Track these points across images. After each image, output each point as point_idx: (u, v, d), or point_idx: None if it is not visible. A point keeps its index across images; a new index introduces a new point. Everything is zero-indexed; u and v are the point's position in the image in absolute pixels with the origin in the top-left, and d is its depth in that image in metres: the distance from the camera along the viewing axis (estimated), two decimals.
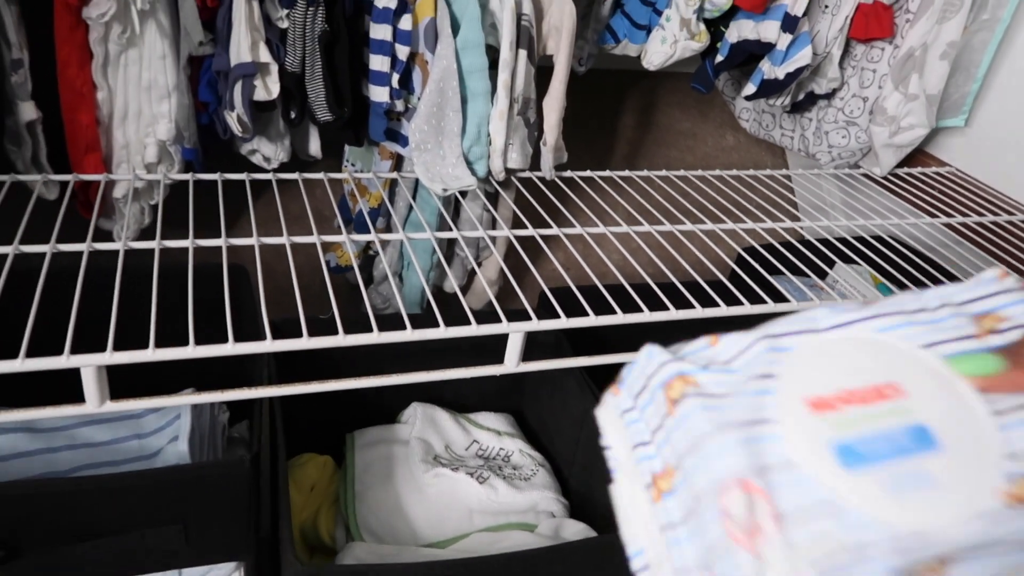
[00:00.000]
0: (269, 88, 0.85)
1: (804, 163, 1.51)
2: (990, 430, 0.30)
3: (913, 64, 1.04)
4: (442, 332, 0.65)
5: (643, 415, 0.35)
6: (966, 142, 1.21)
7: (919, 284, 0.88)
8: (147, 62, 0.85)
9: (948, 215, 1.06)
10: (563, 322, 0.70)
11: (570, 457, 0.85)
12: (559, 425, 0.88)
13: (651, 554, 0.32)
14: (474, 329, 0.66)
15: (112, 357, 0.57)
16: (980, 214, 1.08)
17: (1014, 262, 0.96)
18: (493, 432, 0.89)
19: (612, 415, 0.37)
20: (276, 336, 0.63)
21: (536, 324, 0.68)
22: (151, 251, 0.71)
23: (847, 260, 0.98)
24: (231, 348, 0.60)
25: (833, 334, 0.34)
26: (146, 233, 0.94)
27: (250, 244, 0.74)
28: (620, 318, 0.71)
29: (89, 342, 0.58)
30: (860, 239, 1.09)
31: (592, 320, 0.70)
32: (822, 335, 0.34)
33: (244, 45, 0.81)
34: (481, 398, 0.93)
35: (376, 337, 0.64)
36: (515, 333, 0.68)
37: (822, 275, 0.96)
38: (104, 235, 0.91)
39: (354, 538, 0.75)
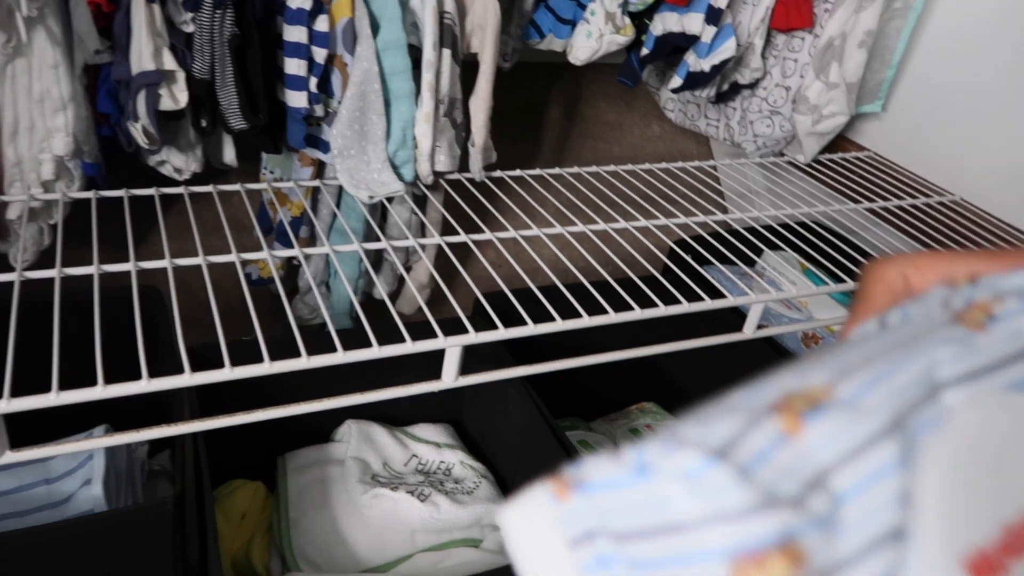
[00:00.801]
0: (176, 97, 0.79)
1: (729, 151, 1.52)
2: None
3: (833, 53, 1.06)
4: (375, 352, 0.62)
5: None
6: (883, 127, 1.24)
7: (843, 269, 0.89)
8: (37, 72, 0.78)
9: (869, 200, 1.09)
10: (501, 333, 0.68)
11: (513, 466, 0.83)
12: (500, 433, 0.86)
13: None
14: (409, 347, 0.64)
15: (9, 405, 0.52)
16: (899, 197, 1.11)
17: (930, 243, 0.99)
18: (432, 445, 0.86)
19: (549, 536, 0.18)
20: (196, 366, 0.59)
21: (474, 337, 0.66)
22: (51, 280, 0.65)
23: (774, 247, 0.99)
24: (145, 385, 0.56)
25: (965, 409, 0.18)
26: (47, 255, 0.87)
27: (163, 267, 0.69)
28: (559, 325, 0.70)
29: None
30: (786, 226, 1.11)
31: (531, 329, 0.69)
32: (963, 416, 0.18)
33: (146, 52, 0.76)
34: (418, 410, 0.90)
35: (305, 362, 0.60)
36: (452, 348, 0.66)
37: (751, 263, 0.96)
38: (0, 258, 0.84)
39: (290, 568, 0.71)
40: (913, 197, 1.11)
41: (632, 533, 0.17)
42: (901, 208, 1.08)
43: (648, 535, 0.17)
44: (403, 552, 0.74)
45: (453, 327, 0.67)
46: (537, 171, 1.02)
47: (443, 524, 0.75)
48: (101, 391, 0.54)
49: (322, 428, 0.88)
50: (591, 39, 1.01)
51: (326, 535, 0.74)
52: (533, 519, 0.19)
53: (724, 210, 0.99)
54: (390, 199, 0.95)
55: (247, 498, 0.79)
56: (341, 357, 0.61)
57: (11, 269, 0.76)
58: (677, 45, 1.04)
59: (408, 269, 1.10)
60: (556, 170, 1.03)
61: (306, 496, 0.78)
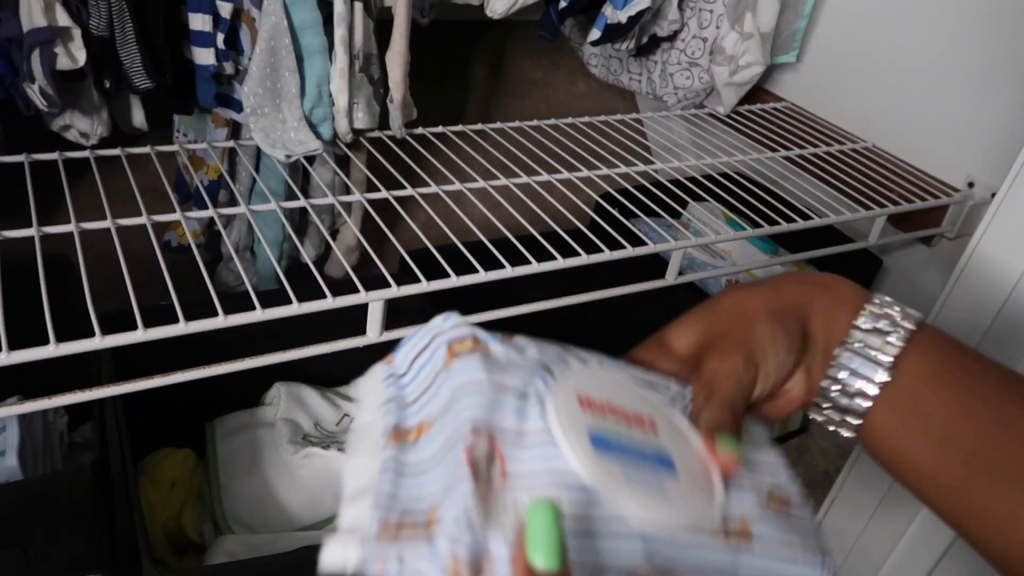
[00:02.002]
0: (74, 55, 0.76)
1: (653, 106, 1.54)
2: (718, 482, 0.34)
3: (746, 3, 1.07)
4: (295, 309, 0.62)
5: (417, 376, 0.34)
6: (799, 77, 1.27)
7: (763, 216, 0.92)
8: None
9: (787, 148, 1.12)
10: (424, 286, 0.68)
11: None
12: None
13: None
14: (330, 302, 0.63)
15: None
16: (815, 145, 1.14)
17: (844, 187, 1.02)
18: None
19: (375, 382, 0.36)
20: (110, 330, 0.57)
21: (396, 291, 0.66)
22: None
23: (698, 199, 1.01)
24: (54, 350, 0.54)
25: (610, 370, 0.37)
26: None
27: (69, 231, 0.67)
28: (482, 276, 0.70)
29: None
30: (709, 177, 1.13)
31: (454, 281, 0.69)
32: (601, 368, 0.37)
33: (35, 7, 0.72)
34: (349, 370, 0.90)
35: (222, 321, 0.59)
36: (375, 302, 0.66)
37: (676, 215, 0.98)
38: None
39: (223, 531, 0.71)
40: (828, 144, 1.15)
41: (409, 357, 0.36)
42: (817, 156, 1.11)
43: (416, 348, 0.36)
44: (337, 509, 0.74)
45: (377, 284, 0.67)
46: (460, 127, 1.01)
47: None
48: (5, 357, 0.52)
49: (251, 393, 0.87)
50: None
51: (258, 497, 0.74)
52: (370, 373, 0.37)
53: (649, 163, 1.00)
54: (310, 159, 0.93)
55: (176, 466, 0.78)
56: (259, 315, 0.60)
57: None
58: None
59: (335, 232, 1.09)
60: (480, 126, 1.03)
61: (236, 460, 0.77)
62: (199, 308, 0.60)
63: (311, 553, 0.58)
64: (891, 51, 1.13)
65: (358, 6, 0.84)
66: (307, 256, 1.04)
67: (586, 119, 1.09)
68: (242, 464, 0.76)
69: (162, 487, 0.76)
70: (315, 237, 1.06)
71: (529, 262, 0.72)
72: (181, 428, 0.81)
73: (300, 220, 1.06)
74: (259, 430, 0.80)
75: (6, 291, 0.58)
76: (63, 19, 0.74)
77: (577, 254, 0.75)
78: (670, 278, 0.84)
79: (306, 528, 0.72)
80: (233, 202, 1.00)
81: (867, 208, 0.97)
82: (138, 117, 0.90)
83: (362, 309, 0.66)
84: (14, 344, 0.53)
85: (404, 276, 0.70)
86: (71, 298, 0.75)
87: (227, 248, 1.03)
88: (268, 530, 0.71)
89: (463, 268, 0.70)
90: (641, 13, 1.03)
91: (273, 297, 0.62)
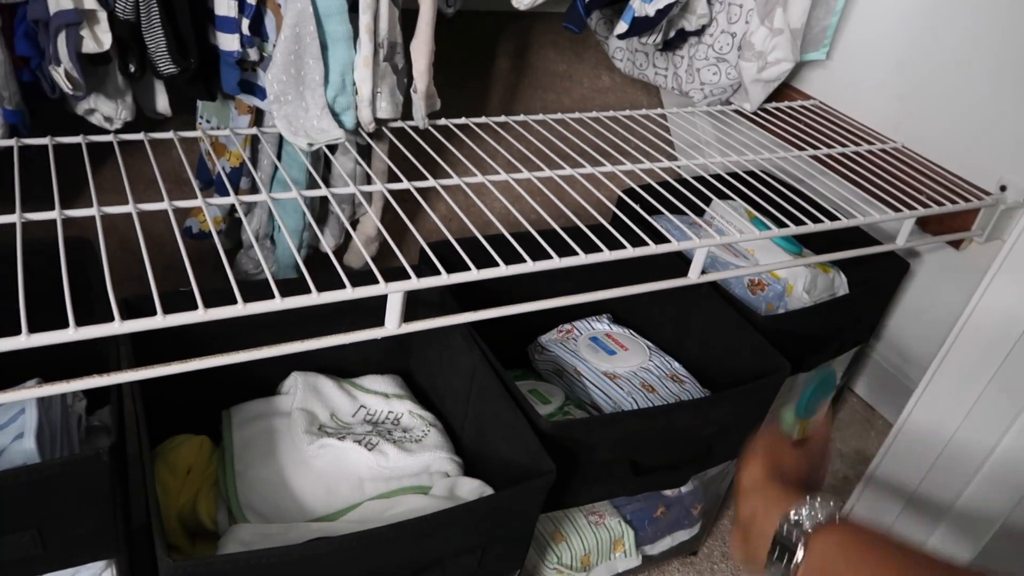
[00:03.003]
0: (99, 39, 0.76)
1: (678, 101, 1.52)
2: None
3: None
4: (314, 299, 0.61)
5: None
6: (828, 75, 1.25)
7: (789, 216, 0.90)
8: None
9: (814, 147, 1.10)
10: (444, 278, 0.67)
11: (461, 414, 0.83)
12: (448, 383, 0.85)
13: None
14: (349, 293, 0.63)
15: None
16: (843, 144, 1.12)
17: (872, 188, 1.01)
18: (381, 395, 0.86)
19: None
20: (129, 315, 0.57)
21: (416, 283, 0.65)
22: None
23: (723, 196, 0.99)
24: (73, 334, 0.54)
25: None
26: None
27: (91, 215, 0.67)
28: (503, 270, 0.69)
29: None
30: (734, 175, 1.11)
31: (474, 274, 0.68)
32: None
33: None
34: (366, 361, 0.90)
35: (241, 309, 0.59)
36: (394, 294, 0.65)
37: (699, 212, 0.96)
38: None
39: (237, 520, 0.71)
40: (856, 144, 1.13)
41: None
42: (845, 155, 1.09)
43: None
44: (351, 501, 0.74)
45: (397, 275, 0.66)
46: (483, 119, 1.00)
47: (391, 472, 0.75)
48: (25, 340, 0.52)
49: (268, 382, 0.86)
50: None
51: (272, 486, 0.74)
52: None
53: (672, 159, 0.99)
54: (332, 148, 0.93)
55: (192, 452, 0.78)
56: (278, 303, 0.60)
57: None
58: None
59: (356, 222, 1.09)
60: (503, 118, 1.02)
61: (252, 448, 0.77)
62: (218, 295, 0.60)
63: (324, 545, 0.58)
64: (923, 51, 1.11)
65: None
66: (327, 245, 1.04)
67: (610, 113, 1.08)
68: (257, 453, 0.76)
69: (178, 473, 0.76)
70: (335, 227, 1.06)
71: (550, 257, 0.72)
72: (198, 414, 0.81)
73: (321, 209, 1.06)
74: (275, 419, 0.80)
75: (29, 274, 0.58)
76: (89, 2, 0.74)
77: (599, 250, 0.74)
78: (693, 276, 0.82)
79: (320, 519, 0.72)
80: (254, 189, 1.00)
81: (896, 209, 0.96)
82: (162, 102, 0.90)
83: (381, 300, 0.66)
84: (34, 327, 0.53)
85: (424, 268, 0.69)
86: (93, 282, 0.76)
87: (247, 235, 1.03)
88: (282, 519, 0.71)
89: (483, 261, 0.69)
90: (670, 6, 1.01)
91: (292, 286, 0.62)
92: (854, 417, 1.22)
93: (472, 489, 0.74)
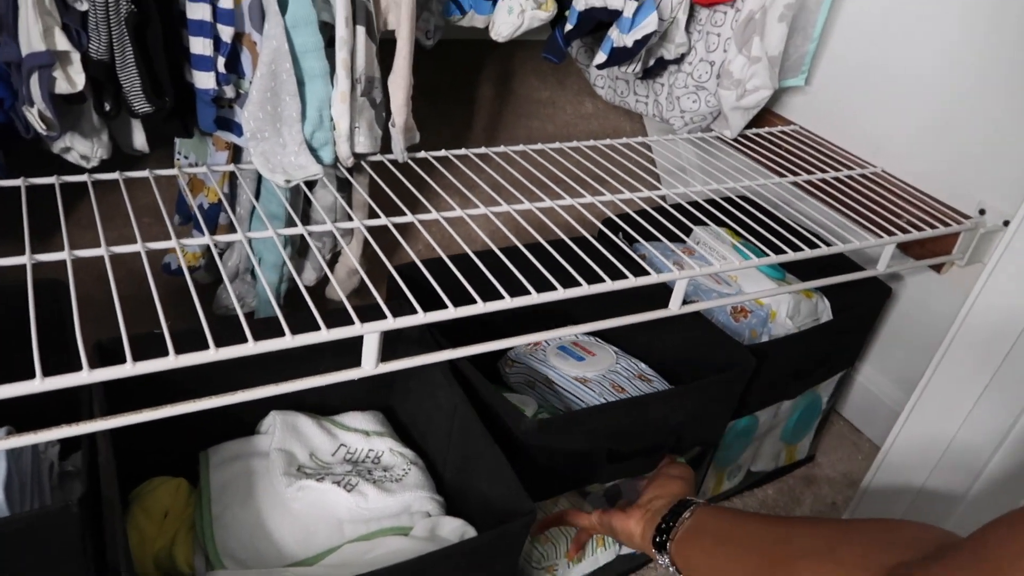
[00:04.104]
0: (72, 79, 0.75)
1: (661, 127, 1.53)
2: None
3: (754, 27, 1.06)
4: (288, 342, 0.60)
5: None
6: (807, 100, 1.25)
7: (769, 243, 0.90)
8: None
9: (795, 173, 1.10)
10: (420, 317, 0.66)
11: (443, 451, 0.82)
12: (429, 419, 0.85)
13: None
14: (324, 335, 0.62)
15: None
16: (823, 170, 1.12)
17: (853, 213, 1.01)
18: (361, 433, 0.85)
19: None
20: (105, 361, 0.56)
21: (392, 323, 0.65)
22: None
23: (705, 223, 0.99)
24: (39, 384, 0.53)
25: None
26: None
27: (62, 259, 0.66)
28: (480, 307, 0.69)
29: None
30: (716, 201, 1.12)
31: (451, 312, 0.67)
32: None
33: (35, 32, 0.71)
34: (345, 398, 0.89)
35: (213, 355, 0.58)
36: (370, 335, 0.64)
37: (682, 239, 0.96)
38: None
39: (214, 566, 0.69)
40: (837, 169, 1.13)
41: None
42: (825, 181, 1.09)
43: None
44: (331, 544, 0.72)
45: (373, 314, 0.65)
46: (463, 151, 1.00)
47: (371, 513, 0.74)
48: None
49: (246, 421, 0.85)
50: (512, 15, 1.00)
51: (250, 530, 0.72)
52: None
53: (656, 188, 0.99)
54: (311, 183, 0.92)
55: (169, 495, 0.76)
56: (251, 348, 0.59)
57: None
58: (600, 20, 1.03)
59: (337, 254, 1.08)
60: (483, 150, 1.02)
61: (229, 490, 0.75)
62: (193, 337, 0.59)
63: None
64: (901, 76, 1.12)
65: (360, 30, 0.84)
66: (307, 280, 1.04)
67: (592, 143, 1.08)
68: (235, 495, 0.75)
69: (154, 517, 0.74)
70: (315, 261, 1.05)
71: (528, 293, 0.71)
72: (175, 455, 0.80)
73: (301, 243, 1.05)
74: (253, 460, 0.79)
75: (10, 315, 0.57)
76: (62, 43, 0.73)
77: (576, 282, 0.74)
78: (673, 308, 0.82)
79: (298, 563, 0.70)
80: (233, 224, 1.00)
81: (876, 235, 0.96)
82: (139, 139, 0.90)
83: (358, 338, 0.65)
84: (4, 373, 0.52)
85: (404, 303, 0.68)
86: (66, 322, 0.74)
87: (228, 270, 1.03)
88: (260, 564, 0.70)
89: (462, 297, 0.69)
90: (648, 37, 1.01)
91: (271, 326, 0.61)
92: (841, 441, 1.22)
93: (453, 529, 0.73)
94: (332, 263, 1.09)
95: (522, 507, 0.66)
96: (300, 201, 0.97)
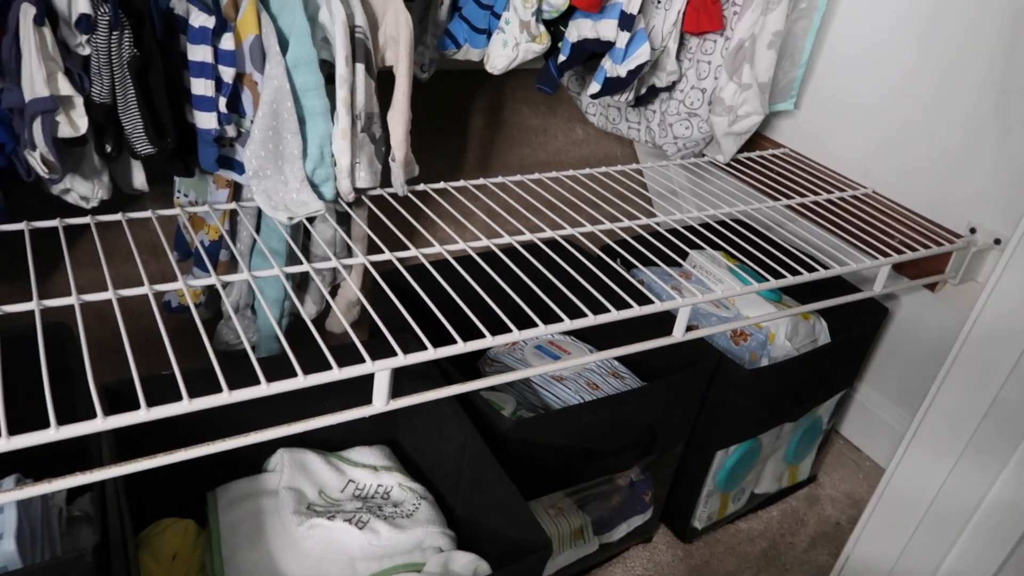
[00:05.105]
0: (75, 123, 0.75)
1: (652, 152, 1.55)
2: None
3: (744, 55, 1.08)
4: (301, 382, 0.61)
5: None
6: (797, 124, 1.28)
7: (766, 266, 0.91)
8: None
9: (788, 196, 1.12)
10: (431, 353, 0.66)
11: (452, 485, 0.82)
12: (438, 452, 0.85)
13: None
14: (336, 374, 0.62)
15: None
16: (815, 192, 1.14)
17: (846, 235, 1.02)
18: (369, 468, 0.84)
19: None
20: (113, 405, 0.56)
21: (403, 359, 0.65)
22: None
23: (698, 247, 1.01)
24: (54, 434, 0.53)
25: None
26: None
27: (70, 304, 0.66)
28: (489, 341, 0.69)
29: None
30: (707, 226, 1.13)
31: (460, 347, 0.68)
32: None
33: (38, 78, 0.72)
34: (353, 432, 0.88)
35: (227, 397, 0.58)
36: (381, 372, 0.65)
37: (678, 264, 0.97)
38: None
39: None
40: (828, 192, 1.15)
41: None
42: (818, 203, 1.11)
43: None
44: None
45: (383, 347, 0.66)
46: (461, 183, 1.01)
47: (383, 550, 0.74)
48: (5, 443, 0.51)
49: (253, 459, 0.85)
50: (507, 48, 1.01)
51: (262, 570, 0.72)
52: None
53: (650, 213, 1.00)
54: (311, 218, 0.93)
55: (177, 537, 0.76)
56: (264, 389, 0.59)
57: None
58: (593, 51, 1.04)
59: (337, 287, 1.08)
60: (480, 181, 1.03)
61: (239, 531, 0.75)
62: (202, 377, 0.59)
63: None
64: (886, 98, 1.14)
65: (360, 67, 0.85)
66: (308, 313, 1.04)
67: (587, 171, 1.10)
68: (245, 536, 0.74)
69: (163, 560, 0.74)
70: (315, 293, 1.06)
71: (536, 325, 0.72)
72: (182, 496, 0.79)
73: (302, 277, 1.05)
74: (262, 499, 0.78)
75: (4, 363, 0.57)
76: (65, 88, 0.74)
77: (581, 312, 0.74)
78: (677, 335, 0.83)
79: None
80: (234, 261, 1.00)
81: (871, 255, 0.97)
82: (138, 179, 0.90)
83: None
84: (13, 425, 0.52)
85: (409, 338, 0.69)
86: (72, 367, 0.74)
87: (227, 307, 1.02)
88: None
89: (468, 330, 0.69)
90: (641, 66, 1.03)
91: (278, 364, 0.61)
92: (842, 460, 1.22)
93: (466, 564, 0.73)
94: (331, 295, 1.09)
95: (537, 540, 0.66)
96: (300, 235, 0.97)
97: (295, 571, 0.72)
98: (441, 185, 1.00)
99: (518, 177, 1.05)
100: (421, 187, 0.98)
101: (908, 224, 1.07)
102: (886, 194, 1.16)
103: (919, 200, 1.12)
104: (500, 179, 1.04)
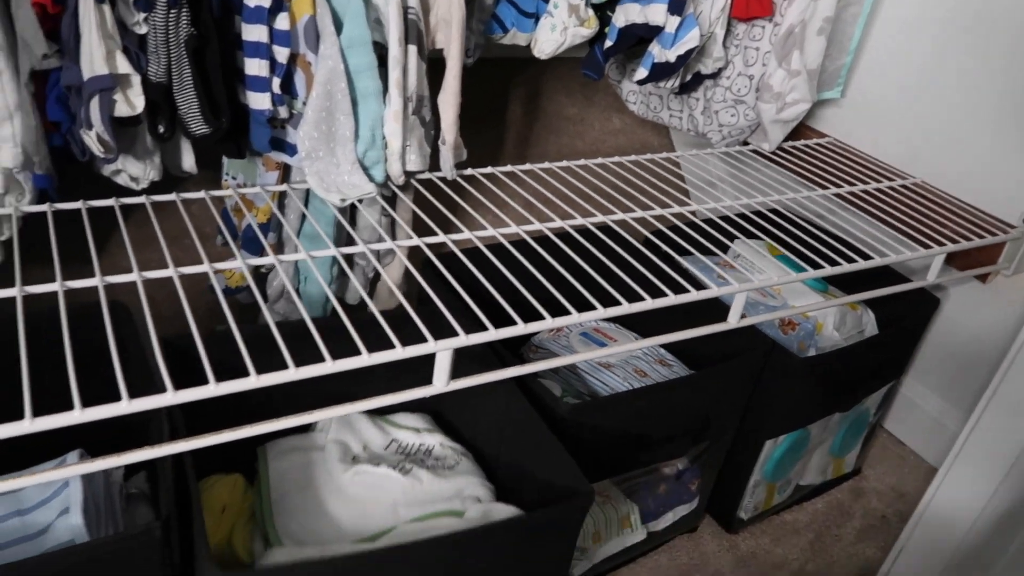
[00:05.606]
0: (132, 102, 0.75)
1: (690, 141, 1.53)
2: None
3: (794, 41, 1.07)
4: (366, 360, 0.60)
5: None
6: (842, 112, 1.26)
7: (816, 253, 0.90)
8: None
9: (836, 185, 1.10)
10: (491, 334, 0.66)
11: (494, 452, 0.83)
12: (479, 423, 0.85)
13: None
14: (400, 353, 0.62)
15: None
16: (864, 182, 1.12)
17: (896, 224, 1.00)
18: (412, 430, 0.86)
19: None
20: (172, 370, 0.56)
21: (464, 339, 0.64)
22: (10, 300, 0.61)
23: (743, 236, 1.00)
24: (126, 407, 0.52)
25: None
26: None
27: (131, 280, 0.66)
28: (549, 323, 0.68)
29: None
30: (752, 214, 1.11)
31: (521, 328, 0.67)
32: None
33: (98, 55, 0.72)
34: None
35: (293, 374, 0.58)
36: (443, 352, 0.64)
37: (720, 253, 0.96)
38: None
39: (273, 545, 0.71)
40: (877, 181, 1.13)
41: None
42: (866, 192, 1.09)
43: None
44: (386, 525, 0.74)
45: (439, 325, 0.65)
46: (508, 167, 1.01)
47: (425, 496, 0.76)
48: (79, 415, 0.51)
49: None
50: (555, 32, 1.00)
51: (308, 512, 0.74)
52: None
53: (687, 203, 0.99)
54: (360, 200, 0.92)
55: (227, 491, 0.78)
56: (330, 367, 0.59)
57: None
58: (640, 36, 1.03)
59: (381, 269, 1.08)
60: (528, 166, 1.02)
61: (287, 478, 0.77)
62: (260, 344, 0.58)
63: (363, 560, 0.59)
64: (938, 85, 1.12)
65: (412, 49, 0.84)
66: (351, 298, 1.04)
67: (620, 159, 1.08)
68: (293, 482, 0.77)
69: (213, 512, 0.76)
70: (360, 276, 1.05)
71: (594, 308, 0.71)
72: (231, 452, 0.80)
73: (347, 259, 1.05)
74: (310, 452, 0.80)
75: (57, 340, 0.56)
76: (124, 67, 0.74)
77: (638, 295, 0.74)
78: (732, 321, 0.82)
79: (355, 542, 0.72)
80: (280, 243, 1.00)
81: (923, 245, 0.95)
82: (188, 161, 0.90)
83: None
84: (83, 396, 0.52)
85: (462, 319, 0.68)
86: (125, 345, 0.74)
87: (273, 289, 1.02)
88: (318, 543, 0.71)
89: (519, 313, 0.68)
90: (690, 52, 1.02)
91: (334, 336, 0.60)
92: (886, 453, 1.21)
93: (506, 513, 0.74)
94: (374, 280, 1.08)
95: (580, 489, 0.67)
96: (347, 218, 0.97)
97: (340, 513, 0.74)
98: (489, 170, 0.99)
99: (565, 163, 1.05)
100: (469, 171, 0.97)
101: (959, 214, 1.05)
102: (936, 184, 1.14)
103: (970, 190, 1.10)
104: (546, 164, 1.03)
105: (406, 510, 0.75)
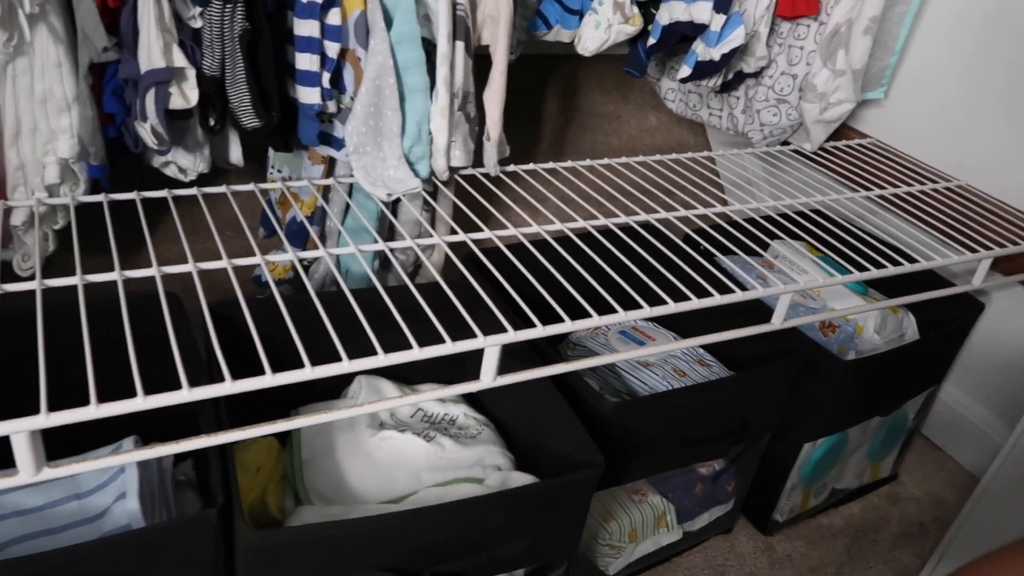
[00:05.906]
0: (187, 95, 0.77)
1: (728, 140, 1.52)
2: None
3: (840, 40, 1.06)
4: (416, 354, 0.61)
5: None
6: (885, 113, 1.24)
7: (858, 254, 0.89)
8: (40, 71, 0.75)
9: (879, 187, 1.09)
10: (539, 331, 0.66)
11: (515, 426, 0.85)
12: (502, 398, 0.87)
13: None
14: (450, 347, 0.62)
15: (48, 419, 0.49)
16: (907, 184, 1.11)
17: (940, 227, 0.99)
18: (437, 400, 0.88)
19: None
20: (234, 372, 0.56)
21: (513, 335, 0.65)
22: (69, 288, 0.63)
23: (780, 237, 0.99)
24: (187, 395, 0.53)
25: None
26: (50, 262, 0.83)
27: (187, 271, 0.67)
28: (595, 320, 0.69)
29: (7, 398, 0.50)
30: (795, 214, 1.10)
31: (568, 326, 0.67)
32: None
33: (155, 49, 0.73)
34: (423, 372, 0.90)
35: (346, 366, 0.58)
36: (491, 347, 0.64)
37: (759, 254, 0.95)
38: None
39: (303, 502, 0.74)
40: (921, 183, 1.12)
41: None
42: (910, 195, 1.08)
43: None
44: (409, 489, 0.76)
45: (482, 319, 0.65)
46: (550, 164, 1.01)
47: (447, 462, 0.79)
48: (142, 402, 0.52)
49: (334, 386, 0.88)
50: (600, 29, 1.00)
51: (336, 473, 0.77)
52: None
53: (723, 202, 0.98)
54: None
55: (261, 452, 0.80)
56: (383, 360, 0.60)
57: (14, 278, 0.73)
58: (684, 34, 1.03)
59: (419, 264, 1.09)
60: (568, 163, 1.02)
61: (318, 439, 0.80)
62: (302, 311, 0.61)
63: (386, 520, 0.61)
64: (983, 87, 1.10)
65: (459, 45, 0.84)
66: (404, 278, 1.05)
67: (659, 157, 1.08)
68: (323, 444, 0.79)
69: (248, 471, 0.78)
70: (397, 273, 1.06)
71: (641, 307, 0.71)
72: (265, 415, 0.81)
73: (384, 255, 1.06)
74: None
75: (107, 329, 0.57)
76: (180, 60, 0.75)
77: (683, 295, 0.74)
78: (776, 323, 0.81)
79: (380, 504, 0.74)
80: (323, 236, 1.01)
81: (969, 248, 0.94)
82: (235, 153, 0.91)
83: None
84: (114, 390, 0.52)
85: (517, 320, 0.68)
86: (180, 332, 0.75)
87: (313, 283, 1.03)
88: (344, 503, 0.74)
89: (553, 312, 0.68)
90: (735, 50, 1.01)
91: (374, 307, 0.62)
92: (923, 459, 1.20)
93: (524, 481, 0.77)
94: (412, 275, 1.09)
95: (592, 459, 0.70)
96: (389, 212, 0.98)
97: (366, 476, 0.77)
98: (530, 166, 0.99)
99: (606, 160, 1.05)
100: (511, 167, 0.98)
101: (1004, 217, 1.04)
102: (980, 187, 1.12)
103: (1017, 194, 1.08)
104: (587, 161, 1.04)
105: (429, 475, 0.78)
